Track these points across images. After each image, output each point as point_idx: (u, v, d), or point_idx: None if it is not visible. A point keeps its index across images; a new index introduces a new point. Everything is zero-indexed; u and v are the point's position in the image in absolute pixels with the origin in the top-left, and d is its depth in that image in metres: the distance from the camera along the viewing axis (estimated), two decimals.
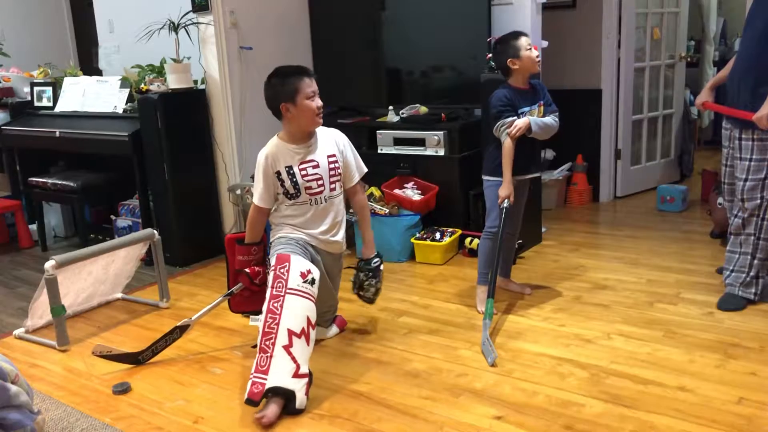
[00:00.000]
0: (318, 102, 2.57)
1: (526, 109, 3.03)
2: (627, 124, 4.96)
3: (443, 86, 4.29)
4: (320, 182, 2.64)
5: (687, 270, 3.54)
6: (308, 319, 2.37)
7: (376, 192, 4.11)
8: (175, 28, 3.94)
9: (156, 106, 3.88)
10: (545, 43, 4.09)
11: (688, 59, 5.51)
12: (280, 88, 2.53)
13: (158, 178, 4.01)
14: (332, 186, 2.69)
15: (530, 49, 3.00)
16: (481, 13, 3.96)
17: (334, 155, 2.69)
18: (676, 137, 5.36)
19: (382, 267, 2.93)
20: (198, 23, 4.03)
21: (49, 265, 2.89)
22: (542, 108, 3.06)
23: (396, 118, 4.28)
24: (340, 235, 2.80)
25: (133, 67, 4.33)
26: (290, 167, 2.60)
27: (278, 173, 2.60)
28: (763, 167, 2.85)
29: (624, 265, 3.67)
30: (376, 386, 2.52)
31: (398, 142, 4.14)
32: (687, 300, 3.14)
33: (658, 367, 2.53)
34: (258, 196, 2.63)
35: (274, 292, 2.36)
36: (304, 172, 2.61)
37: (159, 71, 4.21)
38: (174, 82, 3.98)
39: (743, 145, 2.89)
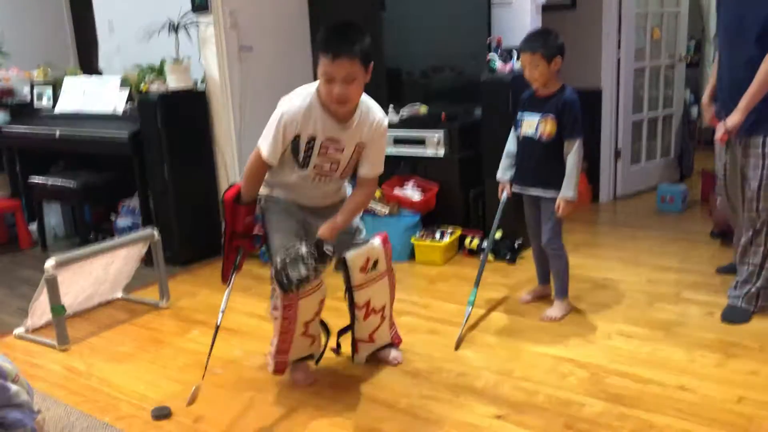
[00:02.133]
0: (337, 89, 2.10)
1: (526, 115, 2.92)
2: (627, 124, 4.96)
3: (443, 86, 4.29)
4: (335, 166, 2.31)
5: (687, 270, 3.54)
6: (320, 302, 2.42)
7: (376, 192, 4.12)
8: (175, 28, 3.94)
9: (156, 106, 3.88)
10: None
11: (688, 59, 5.51)
12: (317, 35, 2.18)
13: (158, 178, 4.01)
14: (344, 172, 2.38)
15: (524, 67, 2.85)
16: (481, 13, 3.96)
17: (363, 144, 2.31)
18: (676, 137, 5.36)
19: (328, 261, 2.29)
20: (198, 23, 4.03)
21: (49, 264, 2.89)
22: (551, 123, 2.83)
23: (396, 118, 4.28)
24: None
25: (133, 68, 4.33)
26: (313, 139, 2.22)
27: (297, 137, 2.22)
28: None
29: (624, 265, 3.67)
30: (376, 386, 2.52)
31: (398, 142, 4.13)
32: (687, 300, 3.14)
33: (658, 366, 2.53)
34: (267, 147, 2.23)
35: (286, 303, 2.31)
36: (324, 151, 2.25)
37: (159, 71, 4.21)
38: (174, 82, 3.98)
39: (753, 154, 2.75)
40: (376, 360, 2.68)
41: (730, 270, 3.28)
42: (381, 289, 2.53)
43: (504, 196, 3.07)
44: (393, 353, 2.69)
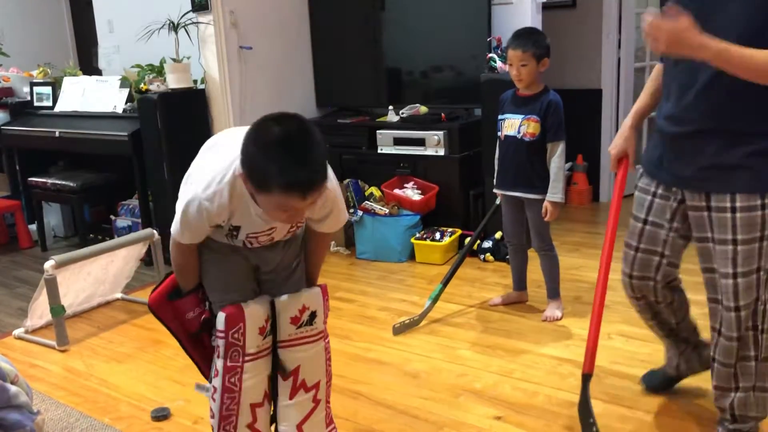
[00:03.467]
0: (297, 217, 1.63)
1: (508, 116, 2.91)
2: None
3: (443, 86, 4.29)
4: (269, 240, 1.79)
5: (687, 270, 3.51)
6: (268, 379, 1.86)
7: (376, 192, 4.11)
8: (174, 27, 3.93)
9: (156, 105, 3.87)
10: None
11: None
12: (262, 165, 1.46)
13: (158, 178, 4.01)
14: (289, 234, 1.83)
15: (511, 64, 2.83)
16: (481, 13, 3.96)
17: (310, 217, 1.77)
18: None
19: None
20: (198, 23, 4.02)
21: (48, 265, 2.89)
22: (533, 124, 2.82)
23: (396, 118, 4.27)
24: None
25: (132, 67, 4.33)
26: (237, 229, 1.72)
27: (218, 226, 1.72)
28: (755, 252, 1.81)
29: None
30: (376, 386, 2.52)
31: (398, 142, 4.13)
32: None
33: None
34: (183, 237, 1.73)
35: (229, 363, 1.77)
36: (252, 238, 1.76)
37: (159, 71, 4.20)
38: (174, 81, 3.98)
39: (716, 219, 1.84)
40: None
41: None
42: (316, 358, 1.88)
43: (499, 200, 3.10)
44: None
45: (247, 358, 1.78)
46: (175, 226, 1.72)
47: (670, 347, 2.30)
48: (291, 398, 1.86)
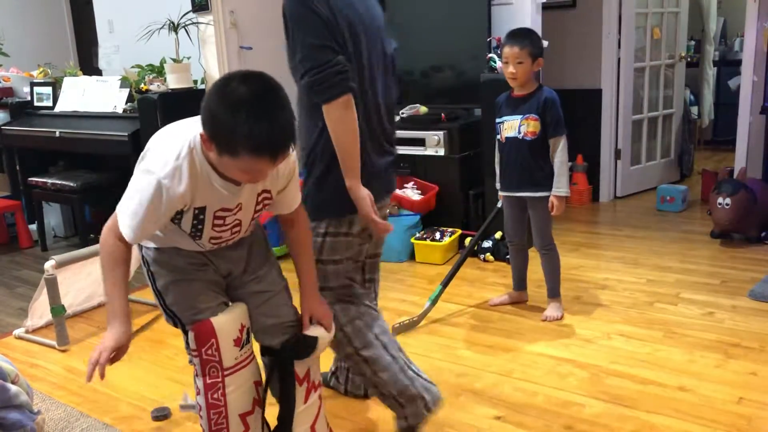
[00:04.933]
0: (260, 179, 1.54)
1: (506, 117, 2.91)
2: (627, 124, 4.96)
3: (443, 86, 4.29)
4: (235, 230, 1.70)
5: (687, 270, 3.54)
6: (256, 385, 1.81)
7: None
8: (175, 28, 3.94)
9: (156, 105, 3.88)
10: (545, 43, 4.08)
11: (688, 59, 5.51)
12: (228, 126, 1.38)
13: None
14: (250, 226, 1.77)
15: (507, 62, 2.81)
16: (481, 13, 3.96)
17: (268, 191, 1.68)
18: (676, 137, 5.36)
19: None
20: (198, 23, 4.03)
21: (48, 265, 2.89)
22: (533, 123, 2.82)
23: (396, 118, 4.27)
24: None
25: (132, 67, 4.33)
26: (202, 210, 1.58)
27: (179, 213, 1.57)
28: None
29: (624, 265, 3.67)
30: None
31: (398, 142, 4.12)
32: (687, 300, 3.14)
33: (658, 367, 2.53)
34: (133, 229, 1.53)
35: (209, 381, 1.71)
36: (218, 222, 1.63)
37: (159, 71, 4.21)
38: (174, 81, 3.98)
39: None
40: None
41: None
42: (318, 357, 1.90)
43: (500, 203, 3.11)
44: None
45: (226, 372, 1.72)
46: (121, 219, 1.54)
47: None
48: (306, 401, 1.86)
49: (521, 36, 2.81)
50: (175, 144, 1.52)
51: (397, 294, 3.46)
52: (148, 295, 3.56)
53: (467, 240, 3.91)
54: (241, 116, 1.36)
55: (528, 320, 3.03)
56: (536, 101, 2.83)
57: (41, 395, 2.56)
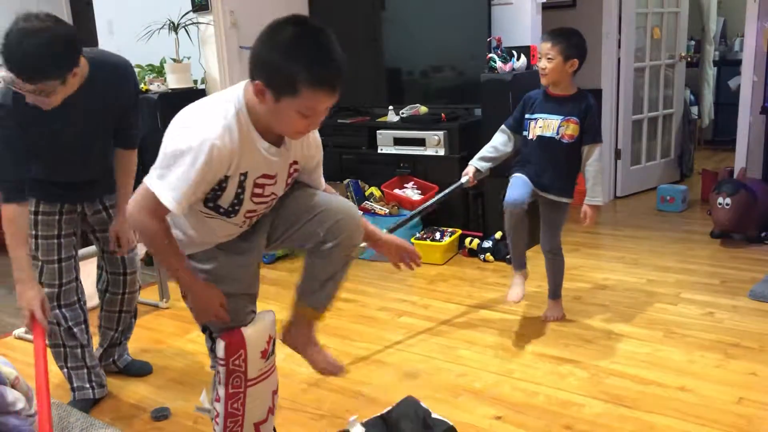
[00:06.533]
0: (313, 125, 1.54)
1: (543, 116, 2.78)
2: (627, 124, 4.96)
3: (443, 86, 4.29)
4: (269, 202, 1.69)
5: (687, 270, 3.54)
6: (273, 394, 1.84)
7: (376, 192, 4.12)
8: (175, 28, 3.94)
9: (156, 106, 3.88)
10: None
11: (688, 59, 5.51)
12: (287, 63, 1.41)
13: None
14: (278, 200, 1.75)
15: (540, 57, 2.75)
16: (481, 13, 3.96)
17: (297, 163, 1.69)
18: (676, 137, 5.36)
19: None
20: (198, 23, 4.03)
21: None
22: (573, 126, 2.74)
23: (396, 118, 4.27)
24: None
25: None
26: (245, 176, 1.56)
27: (224, 180, 1.54)
28: None
29: (624, 265, 3.67)
30: (376, 386, 2.52)
31: (398, 142, 4.14)
32: (687, 300, 3.14)
33: (658, 367, 2.53)
34: (177, 194, 1.48)
35: (231, 390, 1.71)
36: (258, 191, 1.61)
37: (159, 71, 4.21)
38: (174, 82, 3.98)
39: None
40: None
41: None
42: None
43: (464, 180, 2.91)
44: None
45: (249, 383, 1.72)
46: (162, 192, 1.48)
47: None
48: None
49: (557, 33, 2.73)
50: (217, 109, 1.50)
51: (397, 294, 3.46)
52: (148, 296, 3.57)
53: (467, 240, 3.92)
54: (300, 51, 1.40)
55: (528, 320, 3.03)
56: (579, 105, 2.75)
57: None
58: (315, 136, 1.71)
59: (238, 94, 1.51)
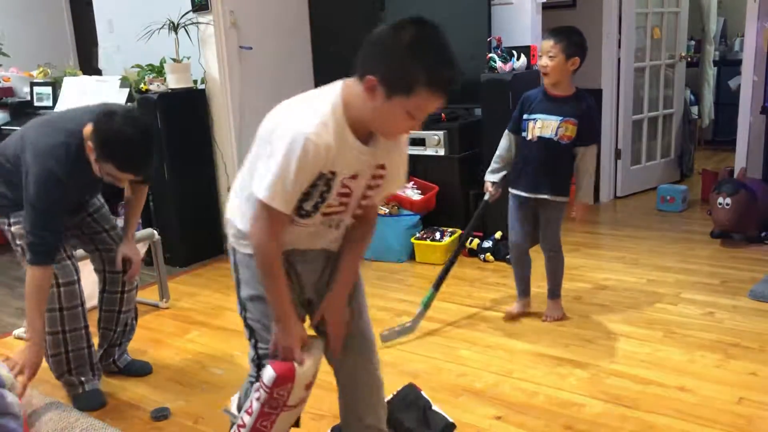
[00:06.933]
0: (415, 127, 1.58)
1: (542, 116, 2.77)
2: (627, 124, 4.96)
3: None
4: (348, 204, 1.65)
5: (687, 270, 3.54)
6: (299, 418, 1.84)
7: None
8: (174, 28, 3.93)
9: (156, 105, 3.88)
10: None
11: (688, 59, 5.51)
12: (408, 63, 1.43)
13: (158, 179, 4.00)
14: (357, 209, 1.70)
15: (541, 55, 2.74)
16: (481, 13, 3.96)
17: (383, 167, 1.65)
18: (677, 137, 5.36)
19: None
20: (198, 23, 4.02)
21: None
22: (571, 127, 2.73)
23: None
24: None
25: (132, 67, 4.32)
26: (334, 174, 1.53)
27: (320, 177, 1.52)
28: None
29: (624, 265, 3.67)
30: None
31: None
32: (687, 300, 3.14)
33: (658, 367, 2.53)
34: (283, 195, 1.48)
35: (266, 410, 1.67)
36: (344, 191, 1.59)
37: (159, 71, 4.20)
38: (174, 81, 3.98)
39: None
40: None
41: None
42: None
43: (487, 196, 2.99)
44: None
45: (285, 409, 1.68)
46: (269, 196, 1.47)
47: None
48: None
49: (560, 31, 2.72)
50: (313, 107, 1.50)
51: (397, 294, 3.46)
52: (148, 296, 3.57)
53: (467, 240, 3.91)
54: (421, 52, 1.42)
55: (528, 320, 3.03)
56: (578, 105, 2.75)
57: (41, 395, 2.55)
58: (405, 139, 1.71)
59: (336, 92, 1.52)
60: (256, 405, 1.67)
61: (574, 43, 2.69)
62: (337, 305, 1.75)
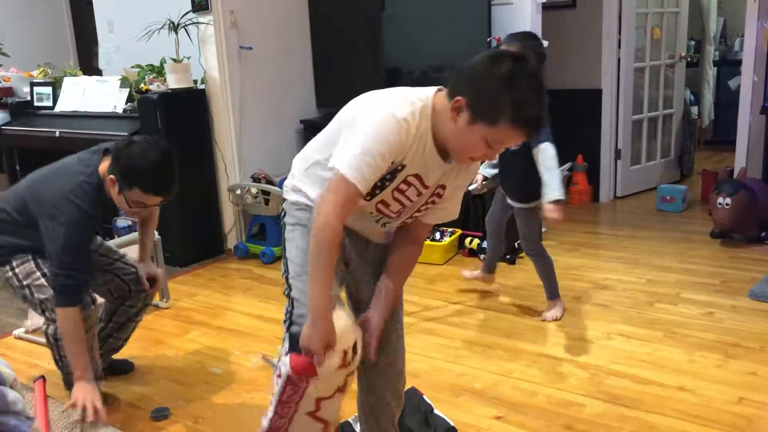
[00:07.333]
0: (489, 156, 1.55)
1: None
2: (627, 124, 4.96)
3: (443, 86, 4.28)
4: (401, 209, 1.66)
5: (687, 270, 3.54)
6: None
7: None
8: (175, 28, 3.94)
9: (156, 105, 3.88)
10: (545, 43, 4.08)
11: (688, 59, 5.51)
12: (499, 94, 1.41)
13: None
14: (406, 219, 1.72)
15: None
16: (481, 13, 3.96)
17: (444, 187, 1.66)
18: (676, 137, 5.36)
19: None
20: (198, 23, 4.02)
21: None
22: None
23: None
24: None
25: (132, 67, 4.33)
26: (402, 167, 1.55)
27: (392, 164, 1.53)
28: None
29: (624, 265, 3.67)
30: None
31: None
32: (687, 300, 3.14)
33: (658, 367, 2.53)
34: (365, 174, 1.47)
35: (285, 399, 1.66)
36: (404, 186, 1.60)
37: (159, 71, 4.21)
38: (174, 81, 3.98)
39: None
40: None
41: None
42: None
43: (473, 186, 3.02)
44: None
45: (297, 408, 1.66)
46: (349, 171, 1.46)
47: None
48: None
49: (515, 37, 2.73)
50: (406, 97, 1.52)
51: None
52: None
53: (467, 240, 3.92)
54: (515, 87, 1.40)
55: (528, 320, 3.03)
56: None
57: None
58: (476, 167, 1.74)
59: (428, 95, 1.54)
60: (274, 399, 1.67)
61: (538, 47, 2.73)
62: (378, 322, 1.81)
